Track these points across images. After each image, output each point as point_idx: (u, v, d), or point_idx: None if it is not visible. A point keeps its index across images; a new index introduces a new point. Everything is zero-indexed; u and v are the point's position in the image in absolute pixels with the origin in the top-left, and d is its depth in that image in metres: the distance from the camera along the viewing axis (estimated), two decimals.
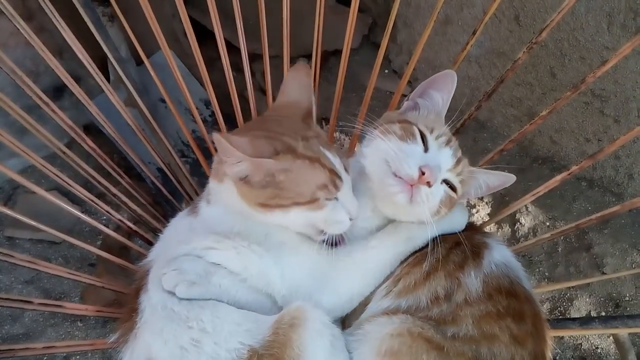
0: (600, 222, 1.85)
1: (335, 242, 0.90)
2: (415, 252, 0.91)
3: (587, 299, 1.72)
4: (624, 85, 1.70)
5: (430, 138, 0.89)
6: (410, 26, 2.29)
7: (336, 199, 0.87)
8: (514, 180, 0.93)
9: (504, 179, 0.94)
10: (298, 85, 0.95)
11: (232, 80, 1.31)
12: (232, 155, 0.80)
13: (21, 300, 0.87)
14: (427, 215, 0.84)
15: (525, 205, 1.92)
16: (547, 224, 1.90)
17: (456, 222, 0.95)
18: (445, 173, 0.88)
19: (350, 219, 0.89)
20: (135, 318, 0.84)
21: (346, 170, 0.89)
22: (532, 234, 1.87)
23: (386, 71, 2.51)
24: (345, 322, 0.94)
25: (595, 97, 1.79)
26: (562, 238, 1.86)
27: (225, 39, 1.29)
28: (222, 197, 0.92)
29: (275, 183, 0.84)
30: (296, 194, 0.85)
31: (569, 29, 1.74)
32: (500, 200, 1.96)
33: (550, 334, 0.88)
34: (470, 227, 0.98)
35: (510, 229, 1.90)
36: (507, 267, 0.88)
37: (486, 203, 1.98)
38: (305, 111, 0.93)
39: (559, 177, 1.03)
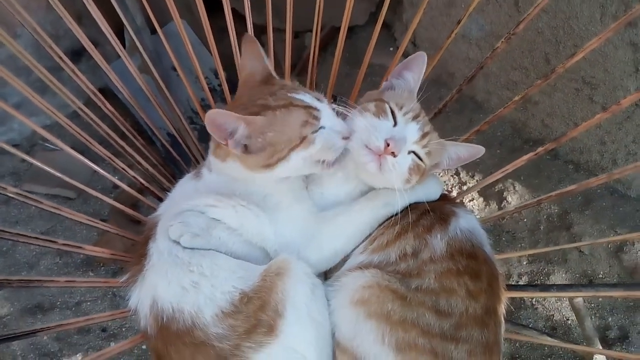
0: (582, 204, 1.96)
1: None
2: (392, 216, 1.02)
3: (564, 275, 1.83)
4: (613, 74, 1.78)
5: (399, 114, 0.99)
6: (417, 5, 2.36)
7: (322, 127, 0.97)
8: (484, 151, 1.02)
9: (474, 150, 1.03)
10: (250, 57, 1.04)
11: (239, 50, 1.39)
12: (229, 120, 0.90)
13: (47, 240, 0.99)
14: (397, 182, 0.96)
15: (513, 185, 2.02)
16: (532, 206, 2.00)
17: (431, 192, 1.07)
18: (411, 145, 0.98)
19: (344, 138, 0.98)
20: (144, 262, 0.97)
21: (319, 100, 0.99)
22: (517, 211, 1.98)
23: (391, 49, 2.58)
24: (326, 274, 1.07)
25: (586, 84, 1.87)
26: (544, 217, 1.96)
27: (234, 9, 1.37)
28: (226, 171, 1.03)
29: (268, 141, 0.94)
30: (287, 141, 0.95)
31: (564, 17, 1.81)
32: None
33: (506, 294, 1.01)
34: (444, 198, 1.10)
35: (497, 206, 2.01)
36: (471, 233, 0.99)
37: (477, 181, 2.08)
38: (263, 75, 1.02)
39: (525, 157, 1.13)
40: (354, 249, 1.03)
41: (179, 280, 0.93)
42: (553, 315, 1.75)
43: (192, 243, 0.96)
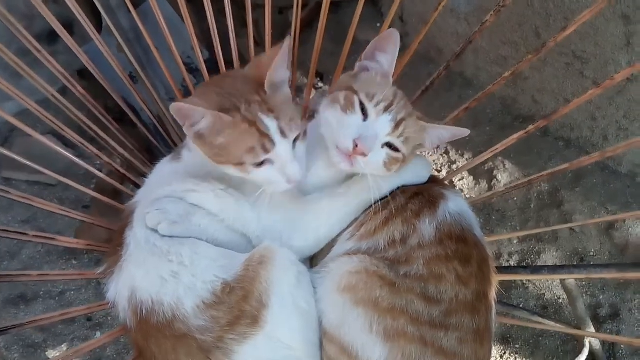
0: (572, 181, 1.94)
1: None
2: (380, 200, 0.99)
3: (555, 253, 1.82)
4: (604, 47, 1.74)
5: (369, 106, 0.93)
6: None
7: (270, 162, 0.90)
8: (468, 132, 0.97)
9: (457, 132, 0.97)
10: (275, 59, 0.89)
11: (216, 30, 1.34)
12: (195, 114, 0.84)
13: (18, 232, 0.95)
14: (375, 174, 0.94)
15: (503, 162, 2.00)
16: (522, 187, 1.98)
17: (419, 174, 1.03)
18: (385, 138, 0.93)
19: (290, 182, 0.91)
20: (121, 252, 0.93)
21: (284, 134, 0.89)
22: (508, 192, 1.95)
23: (378, 25, 2.52)
24: (312, 261, 1.03)
25: (577, 59, 1.83)
26: (535, 195, 1.94)
27: None
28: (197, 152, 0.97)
29: (217, 142, 0.88)
30: (229, 155, 0.89)
31: None
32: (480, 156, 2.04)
33: (497, 277, 0.98)
34: (433, 180, 1.06)
35: (487, 185, 1.98)
36: (460, 216, 0.96)
37: (467, 160, 2.05)
38: (261, 80, 0.90)
39: (515, 136, 1.10)
40: (340, 234, 1.00)
41: (158, 270, 0.89)
42: (544, 294, 1.74)
43: (171, 231, 0.92)
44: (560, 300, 1.71)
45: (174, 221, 0.92)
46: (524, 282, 1.76)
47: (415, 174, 1.02)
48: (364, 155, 0.90)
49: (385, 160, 0.94)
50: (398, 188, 0.99)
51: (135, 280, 0.90)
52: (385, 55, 0.97)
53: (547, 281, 1.74)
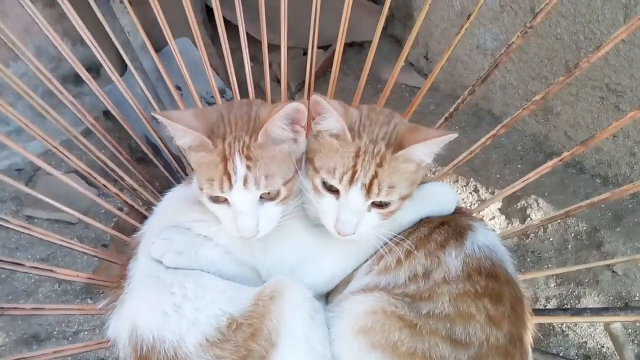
0: (612, 220, 1.82)
1: None
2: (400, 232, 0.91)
3: (596, 298, 1.68)
4: None
5: (334, 184, 0.84)
6: (427, 18, 2.28)
7: (227, 204, 0.85)
8: (455, 136, 0.82)
9: (445, 138, 0.81)
10: (274, 116, 0.82)
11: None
12: (174, 129, 0.81)
13: (13, 262, 0.91)
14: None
15: (537, 201, 1.89)
16: (558, 220, 1.87)
17: (444, 205, 0.96)
18: (363, 206, 0.84)
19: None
20: (124, 284, 0.88)
21: (247, 184, 0.82)
22: (542, 229, 1.84)
23: (402, 63, 2.51)
24: (327, 298, 0.96)
25: (611, 92, 1.75)
26: (572, 235, 1.82)
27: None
28: None
29: (193, 159, 0.86)
30: (197, 174, 0.86)
31: (584, 21, 1.71)
32: (512, 195, 1.94)
33: (533, 319, 0.88)
34: (460, 212, 0.98)
35: (520, 224, 1.88)
36: (490, 250, 0.87)
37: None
38: (261, 126, 0.83)
39: (550, 163, 1.02)
40: (357, 268, 0.92)
41: (160, 304, 0.83)
42: (586, 342, 1.60)
43: (176, 262, 0.87)
44: (604, 349, 1.57)
45: (179, 252, 0.87)
46: (564, 328, 1.62)
47: (439, 204, 0.94)
48: (353, 234, 0.84)
49: (378, 218, 0.86)
50: (421, 220, 0.92)
51: (137, 315, 0.84)
52: (321, 117, 0.85)
53: (590, 327, 1.60)
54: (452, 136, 0.80)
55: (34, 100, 1.18)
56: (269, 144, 0.84)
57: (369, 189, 0.82)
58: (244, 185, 0.82)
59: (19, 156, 2.17)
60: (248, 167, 0.82)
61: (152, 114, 0.82)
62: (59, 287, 1.85)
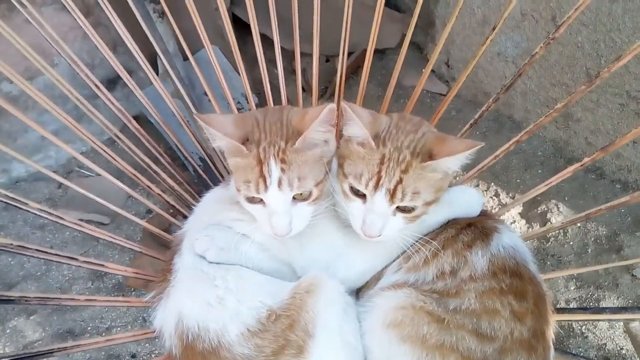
0: (632, 224, 1.85)
1: None
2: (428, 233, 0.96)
3: (615, 301, 1.71)
4: None
5: (361, 189, 0.88)
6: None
7: (262, 204, 0.90)
8: (482, 145, 0.85)
9: (473, 150, 0.85)
10: (314, 122, 0.87)
11: (266, 73, 1.39)
12: (210, 134, 0.87)
13: (68, 257, 0.98)
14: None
15: (557, 206, 1.92)
16: (578, 224, 1.90)
17: (471, 207, 1.00)
18: (389, 210, 0.88)
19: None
20: (169, 278, 0.94)
21: (281, 186, 0.87)
22: (562, 233, 1.87)
23: (423, 70, 2.55)
24: (358, 294, 1.01)
25: (631, 99, 1.78)
26: (592, 239, 1.85)
27: (265, 35, 1.36)
28: None
29: (230, 162, 0.91)
30: (235, 176, 0.91)
31: (605, 30, 1.74)
32: (532, 199, 1.97)
33: (555, 317, 0.92)
34: (485, 215, 1.02)
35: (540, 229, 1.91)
36: (514, 251, 0.92)
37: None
38: (295, 131, 0.90)
39: (571, 168, 1.06)
40: (387, 266, 0.98)
41: (204, 296, 0.89)
42: (605, 344, 1.63)
43: (218, 257, 0.93)
44: (624, 351, 1.59)
45: (221, 248, 0.93)
46: (583, 330, 1.65)
47: (466, 206, 0.99)
48: (378, 236, 0.89)
49: (403, 222, 0.90)
50: (448, 221, 0.97)
51: (183, 306, 0.90)
52: (347, 126, 0.90)
53: (609, 329, 1.63)
54: (479, 146, 0.84)
55: (77, 98, 1.24)
56: (303, 150, 0.89)
57: (393, 195, 0.86)
58: (279, 187, 0.88)
59: (52, 159, 2.25)
60: (282, 170, 0.87)
61: (195, 115, 0.88)
62: (92, 284, 1.92)
